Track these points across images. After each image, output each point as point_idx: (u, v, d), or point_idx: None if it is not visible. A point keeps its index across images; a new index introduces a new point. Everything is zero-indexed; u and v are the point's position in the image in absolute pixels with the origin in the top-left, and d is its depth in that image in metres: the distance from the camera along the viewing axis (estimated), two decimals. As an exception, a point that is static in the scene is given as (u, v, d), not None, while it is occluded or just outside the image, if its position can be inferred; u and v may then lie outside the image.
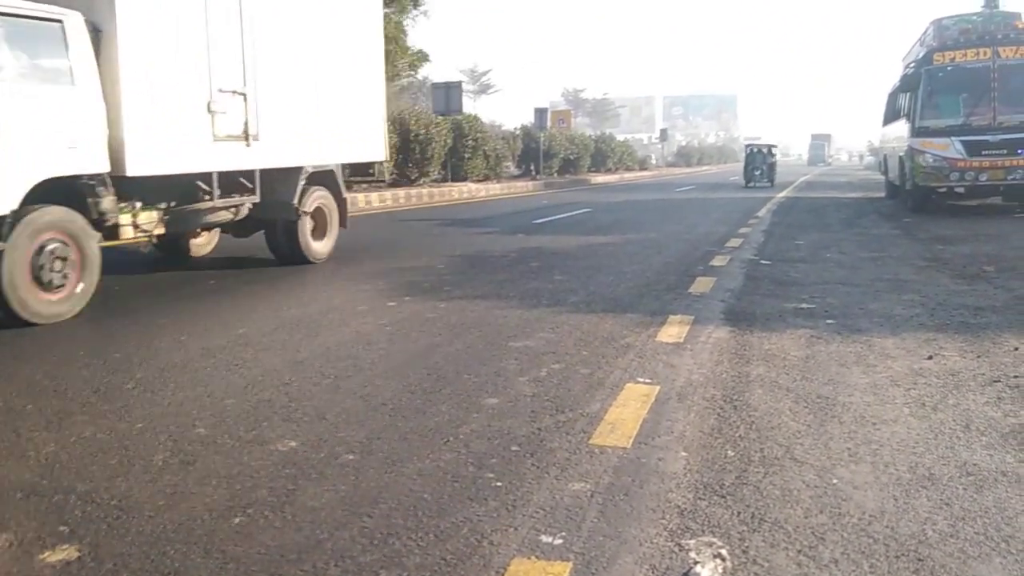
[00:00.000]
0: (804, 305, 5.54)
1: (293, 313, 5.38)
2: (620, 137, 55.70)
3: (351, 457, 2.81)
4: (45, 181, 4.97)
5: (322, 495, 2.49)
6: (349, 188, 9.74)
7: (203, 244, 8.25)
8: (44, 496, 2.49)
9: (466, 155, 24.50)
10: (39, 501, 2.46)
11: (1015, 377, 3.71)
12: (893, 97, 16.62)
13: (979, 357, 4.08)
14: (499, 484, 2.56)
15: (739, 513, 2.36)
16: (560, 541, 2.18)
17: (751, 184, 25.92)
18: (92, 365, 4.06)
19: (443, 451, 2.85)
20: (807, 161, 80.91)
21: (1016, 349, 4.21)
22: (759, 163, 26.47)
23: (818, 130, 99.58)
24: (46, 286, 4.98)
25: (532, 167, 31.65)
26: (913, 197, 13.60)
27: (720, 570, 2.04)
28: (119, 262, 8.27)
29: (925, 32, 16.30)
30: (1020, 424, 3.09)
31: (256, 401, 3.46)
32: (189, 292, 6.29)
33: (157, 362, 4.11)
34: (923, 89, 12.78)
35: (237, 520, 2.32)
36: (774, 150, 28.28)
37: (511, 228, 11.91)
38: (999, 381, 3.66)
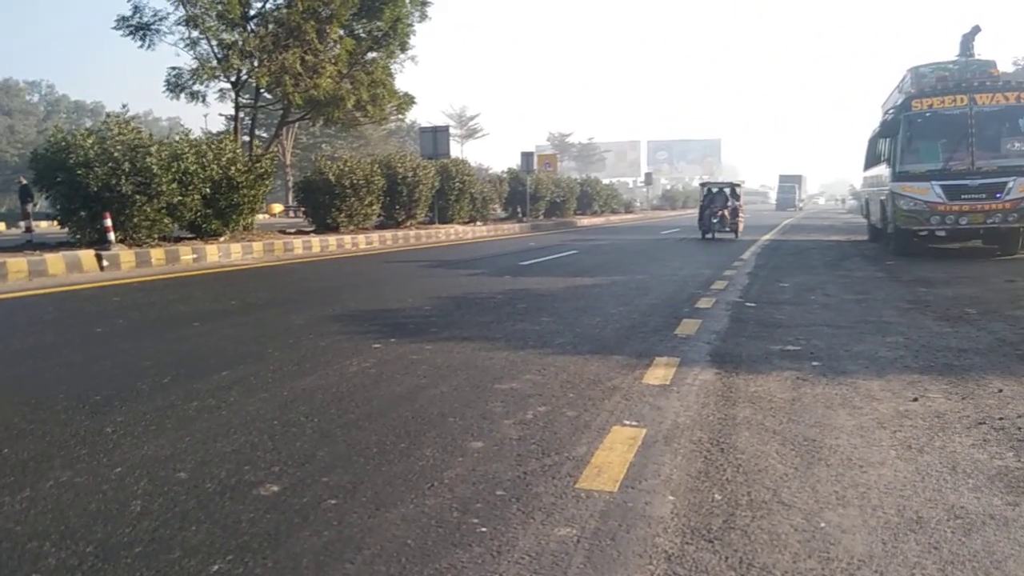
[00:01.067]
0: (790, 347, 5.56)
1: (277, 355, 5.34)
2: (606, 180, 56.41)
3: (334, 502, 2.76)
4: None
5: (304, 541, 2.45)
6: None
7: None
8: (18, 543, 2.43)
9: (453, 197, 24.70)
10: (13, 548, 2.40)
11: (1000, 419, 3.72)
12: (874, 142, 16.90)
13: (964, 399, 4.09)
14: (484, 529, 2.53)
15: (727, 558, 2.33)
16: (546, 588, 2.14)
17: (709, 235, 20.94)
18: (71, 408, 4.00)
19: (427, 496, 2.81)
20: (775, 205, 75.39)
21: (1000, 391, 4.22)
22: (720, 206, 21.02)
23: (789, 171, 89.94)
24: None
25: (519, 209, 31.91)
26: (895, 240, 13.76)
27: (708, 617, 2.00)
28: (105, 306, 8.21)
29: (903, 79, 16.63)
30: (1006, 466, 3.09)
31: (239, 445, 3.41)
32: (173, 335, 6.24)
33: (138, 405, 4.05)
34: (903, 134, 13.01)
35: (216, 567, 2.28)
36: (738, 190, 22.58)
37: (498, 270, 11.94)
38: (984, 423, 3.67)
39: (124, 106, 16.10)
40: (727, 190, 22.10)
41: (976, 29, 15.77)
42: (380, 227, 21.06)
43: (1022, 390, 4.24)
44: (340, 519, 2.61)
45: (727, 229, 21.00)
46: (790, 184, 75.70)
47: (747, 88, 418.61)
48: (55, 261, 11.06)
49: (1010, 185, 12.10)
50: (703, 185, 23.78)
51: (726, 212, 20.85)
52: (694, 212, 49.93)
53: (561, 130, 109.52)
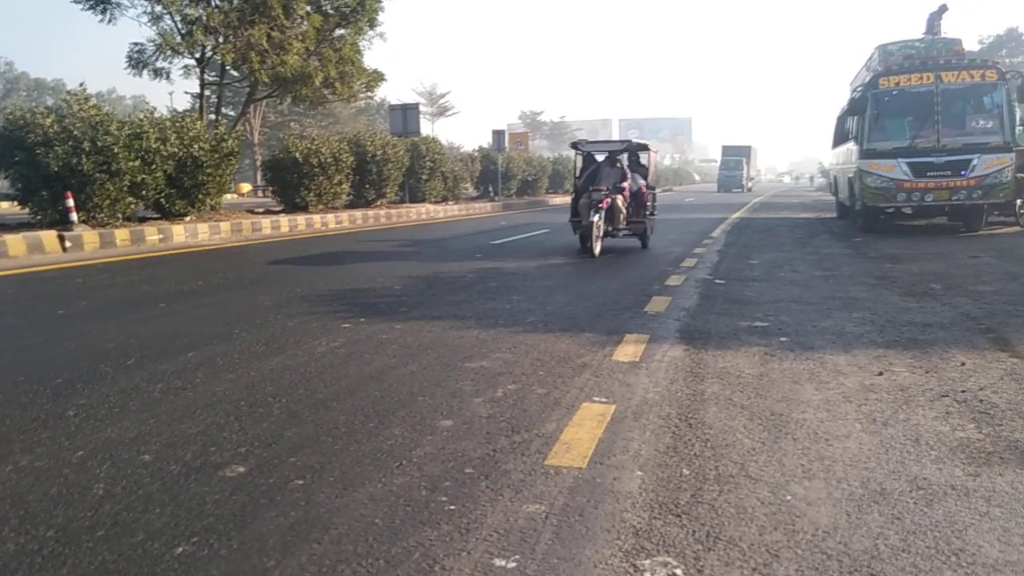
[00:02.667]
0: (758, 323, 5.60)
1: (245, 336, 5.27)
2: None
3: (301, 482, 2.74)
4: None
5: (271, 521, 2.42)
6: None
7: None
8: (-24, 529, 2.38)
9: (424, 176, 24.54)
10: (-30, 534, 2.35)
11: (962, 392, 3.78)
12: (842, 120, 17.04)
13: (927, 373, 4.16)
14: (452, 507, 2.52)
15: (694, 532, 2.34)
16: (514, 564, 2.14)
17: (588, 246, 10.51)
18: (32, 391, 3.92)
19: (396, 475, 2.80)
20: (717, 185, 57.12)
21: (963, 364, 4.29)
22: (608, 189, 10.65)
23: (734, 141, 67.21)
24: None
25: (490, 188, 31.81)
26: (863, 217, 13.92)
27: (675, 590, 2.02)
28: (68, 287, 8.06)
29: (871, 57, 16.78)
30: (967, 438, 3.14)
31: (205, 426, 3.37)
32: (137, 317, 6.14)
33: (102, 388, 3.98)
34: (870, 112, 13.13)
35: (181, 549, 2.24)
36: (647, 157, 12.25)
37: (469, 249, 11.89)
38: (947, 396, 3.72)
39: (81, 84, 15.56)
40: (622, 158, 11.81)
41: (943, 8, 15.92)
42: (350, 206, 20.87)
43: (984, 363, 4.31)
44: (307, 499, 2.59)
45: (621, 231, 11.21)
46: (736, 159, 58.24)
47: (717, 66, 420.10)
48: (15, 243, 10.81)
49: (974, 162, 12.28)
50: (576, 147, 12.11)
51: (619, 200, 10.87)
52: (665, 192, 47.59)
53: (533, 108, 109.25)
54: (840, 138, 17.18)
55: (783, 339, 5.05)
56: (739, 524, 2.39)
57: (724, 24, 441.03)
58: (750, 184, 59.66)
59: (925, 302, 6.36)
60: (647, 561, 2.17)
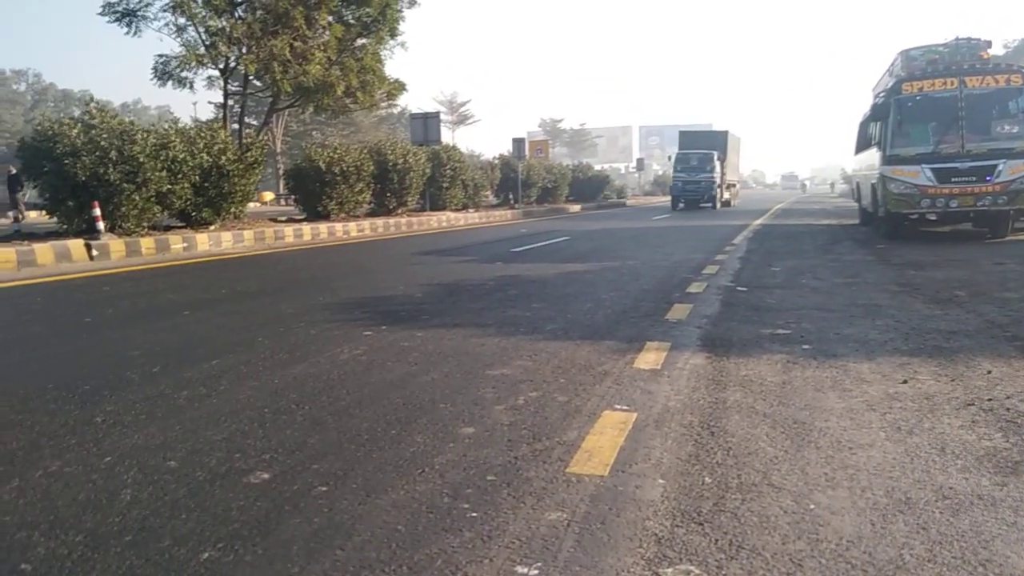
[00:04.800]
0: (780, 331, 5.57)
1: (268, 343, 5.33)
2: (597, 166, 56.34)
3: (325, 489, 2.76)
4: None
5: (295, 528, 2.45)
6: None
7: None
8: (6, 533, 2.42)
9: (444, 184, 24.65)
10: (1, 538, 2.39)
11: (989, 400, 3.74)
12: (864, 126, 16.89)
13: (953, 381, 4.11)
14: (475, 514, 2.53)
15: (717, 540, 2.34)
16: (536, 572, 2.15)
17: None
18: (61, 398, 3.98)
19: (418, 482, 2.81)
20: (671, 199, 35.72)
21: (989, 372, 4.24)
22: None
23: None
24: None
25: (511, 196, 31.86)
26: (886, 224, 13.78)
27: (698, 599, 2.01)
28: (94, 295, 8.18)
29: (893, 62, 16.62)
30: (994, 447, 3.10)
31: (229, 433, 3.41)
32: (162, 324, 6.21)
33: (128, 395, 4.04)
34: (893, 118, 13.01)
35: (207, 555, 2.27)
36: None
37: (489, 256, 11.92)
38: (973, 404, 3.68)
39: (92, 98, 15.80)
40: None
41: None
42: (371, 214, 21.00)
43: (1011, 371, 4.26)
44: (330, 506, 2.61)
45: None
46: (701, 153, 34.63)
47: (739, 73, 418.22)
48: (44, 251, 10.99)
49: (1000, 168, 12.12)
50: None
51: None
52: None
53: (552, 116, 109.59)
54: (863, 144, 17.03)
55: (806, 347, 5.02)
56: (762, 533, 2.38)
57: (745, 32, 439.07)
58: (728, 195, 38.60)
59: (950, 309, 6.29)
60: (669, 570, 2.16)
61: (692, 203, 33.86)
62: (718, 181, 34.49)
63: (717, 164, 34.49)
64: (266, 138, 23.07)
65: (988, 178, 12.17)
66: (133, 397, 3.99)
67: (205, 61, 17.66)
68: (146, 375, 4.45)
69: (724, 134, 39.73)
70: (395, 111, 63.00)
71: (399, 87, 21.80)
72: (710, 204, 33.92)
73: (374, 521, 2.49)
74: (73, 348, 5.34)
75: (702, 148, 35.50)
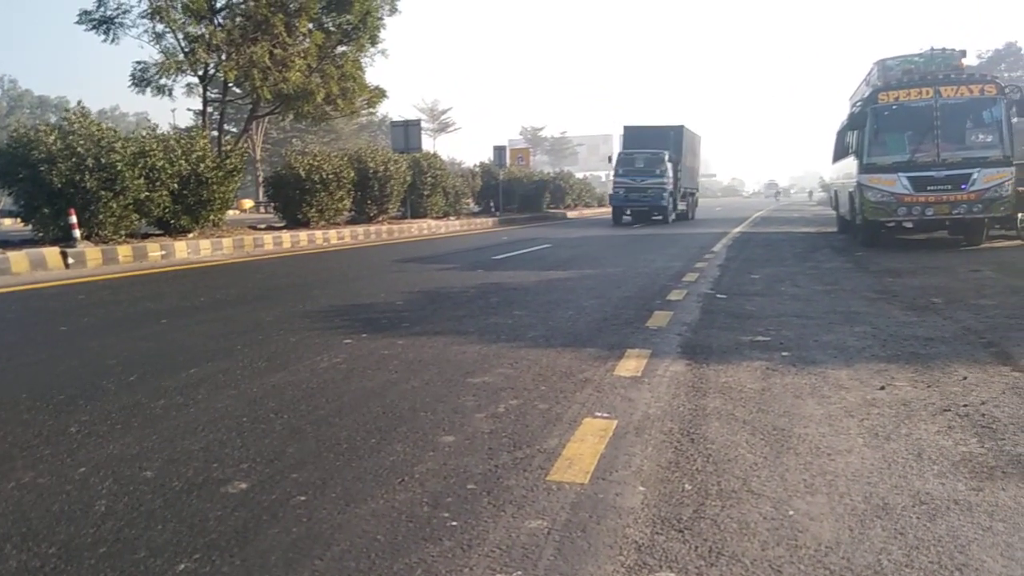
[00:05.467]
0: (760, 338, 5.60)
1: (247, 352, 5.28)
2: (579, 174, 56.51)
3: (303, 498, 2.74)
4: None
5: (273, 538, 2.42)
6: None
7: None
8: (-22, 546, 2.38)
9: (425, 192, 24.60)
10: (-28, 551, 2.35)
11: (964, 406, 3.77)
12: (842, 135, 17.08)
13: (929, 387, 4.15)
14: (455, 523, 2.52)
15: (696, 547, 2.34)
16: (516, 580, 2.14)
17: None
18: (34, 408, 3.92)
19: (398, 491, 2.80)
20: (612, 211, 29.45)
21: (965, 378, 4.29)
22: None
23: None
24: None
25: (492, 204, 31.88)
26: (863, 231, 13.94)
27: (678, 606, 2.01)
28: (70, 304, 8.07)
29: (870, 72, 16.83)
30: (970, 452, 3.14)
31: (207, 442, 3.37)
32: (140, 333, 6.15)
33: (104, 404, 3.98)
34: (869, 127, 13.16)
35: (183, 566, 2.24)
36: None
37: (471, 264, 11.91)
38: (949, 410, 3.72)
39: (79, 102, 15.70)
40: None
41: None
42: (352, 222, 20.92)
43: (986, 377, 4.31)
44: (309, 515, 2.59)
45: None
46: (649, 154, 27.77)
47: (718, 82, 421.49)
48: (19, 259, 10.84)
49: (974, 176, 12.30)
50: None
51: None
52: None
53: (534, 124, 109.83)
54: (840, 153, 17.21)
55: (785, 354, 5.05)
56: (742, 539, 2.39)
57: (724, 41, 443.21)
58: (683, 206, 31.22)
59: (926, 316, 6.36)
60: (650, 577, 2.16)
61: (641, 215, 27.87)
62: (670, 188, 27.25)
63: (668, 167, 27.25)
64: (245, 145, 22.91)
65: (963, 186, 12.35)
66: (109, 406, 3.94)
67: (184, 68, 17.55)
68: (122, 384, 4.40)
69: (679, 129, 30.75)
70: (376, 118, 62.87)
71: (379, 94, 21.77)
72: (660, 217, 27.24)
73: (353, 530, 2.47)
74: (48, 357, 5.27)
75: (651, 147, 28.04)
